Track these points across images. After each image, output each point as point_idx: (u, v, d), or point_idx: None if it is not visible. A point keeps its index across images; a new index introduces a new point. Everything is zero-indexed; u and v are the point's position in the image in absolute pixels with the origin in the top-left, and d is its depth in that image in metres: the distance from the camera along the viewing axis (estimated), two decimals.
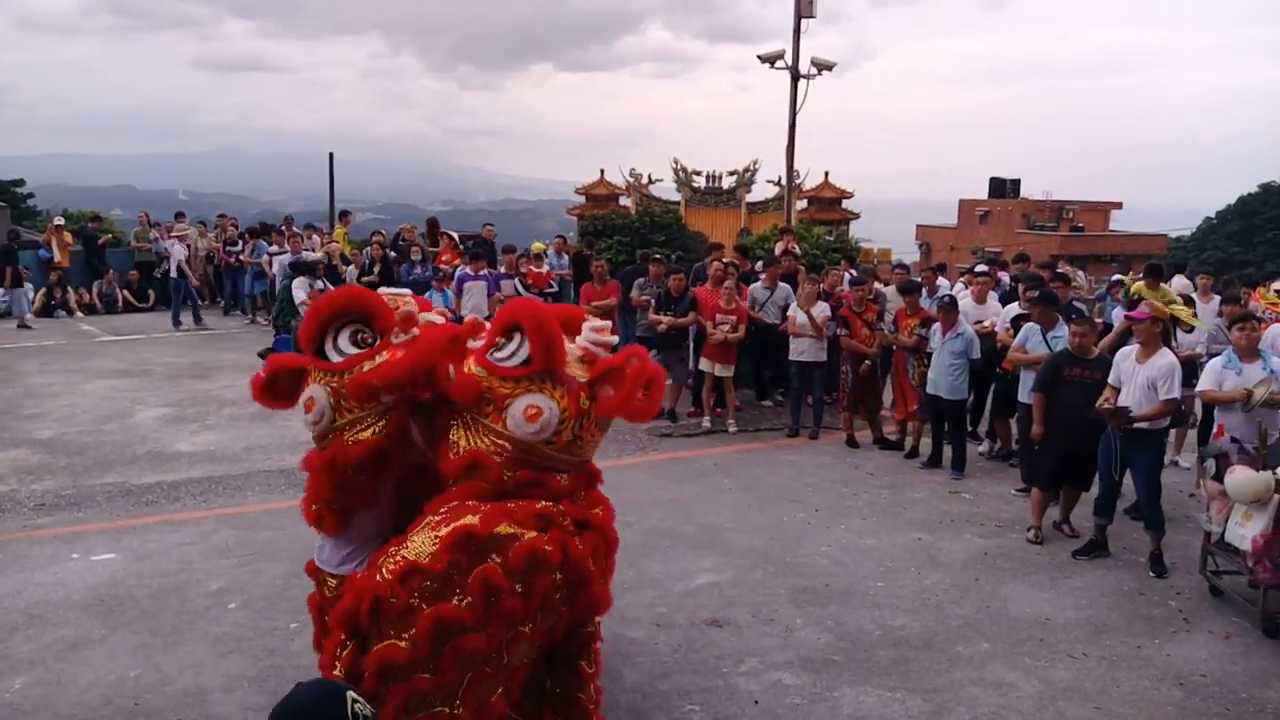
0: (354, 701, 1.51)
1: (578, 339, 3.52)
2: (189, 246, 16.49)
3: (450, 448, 3.41)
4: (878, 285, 10.13)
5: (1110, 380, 6.06)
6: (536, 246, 11.93)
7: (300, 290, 10.80)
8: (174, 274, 14.57)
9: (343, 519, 3.59)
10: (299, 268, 11.44)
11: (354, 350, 3.46)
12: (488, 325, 3.68)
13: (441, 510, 3.24)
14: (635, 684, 4.42)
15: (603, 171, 28.89)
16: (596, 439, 3.56)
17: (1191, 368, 7.32)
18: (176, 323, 14.51)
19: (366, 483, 3.52)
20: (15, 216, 25.27)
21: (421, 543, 3.10)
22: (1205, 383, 6.11)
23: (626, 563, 5.80)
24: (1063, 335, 6.84)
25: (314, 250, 12.56)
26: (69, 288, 15.65)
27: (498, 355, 3.38)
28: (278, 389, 3.55)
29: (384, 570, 3.08)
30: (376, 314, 3.48)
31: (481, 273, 10.83)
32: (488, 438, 3.33)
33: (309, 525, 3.71)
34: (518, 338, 3.38)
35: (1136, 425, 5.84)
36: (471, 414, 3.36)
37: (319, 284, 10.86)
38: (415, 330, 3.53)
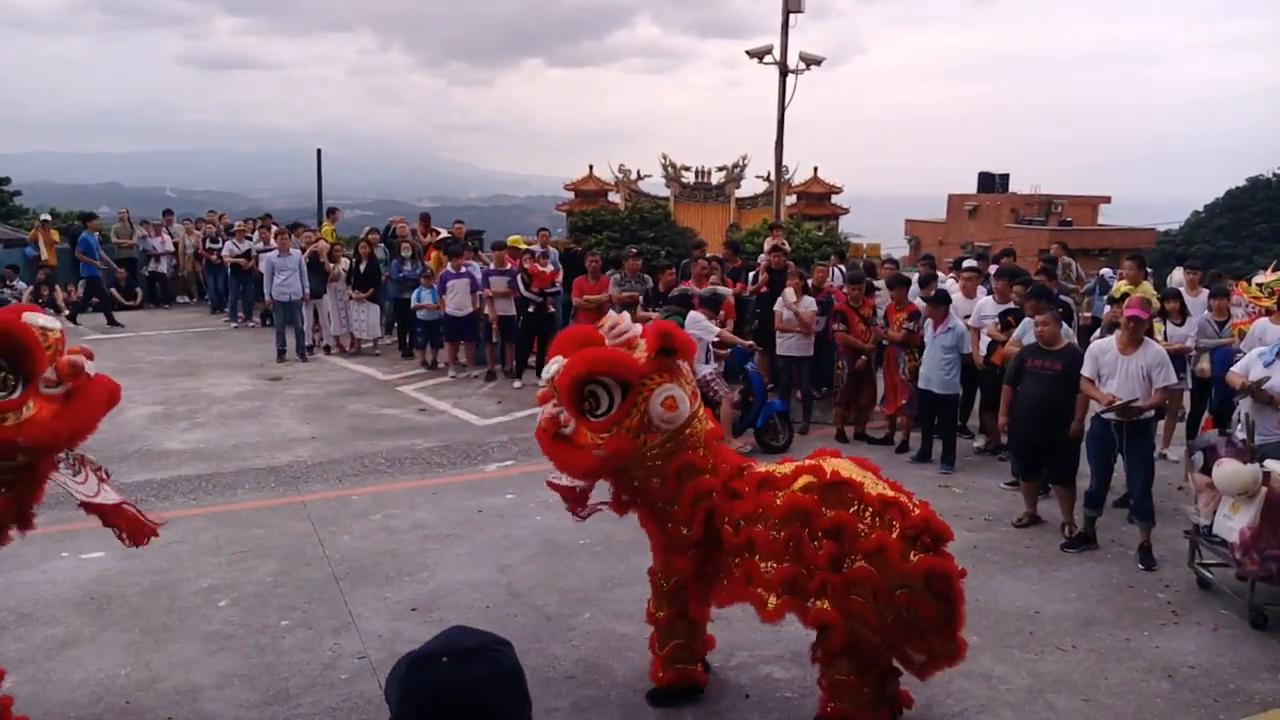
0: None
1: (607, 343, 3.88)
2: (178, 245, 16.47)
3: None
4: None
5: (1086, 373, 6.09)
6: (514, 241, 11.67)
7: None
8: (229, 272, 14.63)
9: None
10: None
11: None
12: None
13: None
14: (626, 678, 4.43)
15: (592, 167, 28.89)
16: None
17: (1180, 361, 7.38)
18: (234, 317, 14.61)
19: None
20: (2, 215, 25.09)
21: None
22: (1237, 367, 6.16)
23: (616, 558, 5.83)
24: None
25: (302, 249, 12.42)
26: (56, 285, 15.55)
27: (599, 413, 3.75)
28: None
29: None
30: (27, 355, 3.00)
31: (463, 269, 10.79)
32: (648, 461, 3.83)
33: None
34: (599, 391, 3.73)
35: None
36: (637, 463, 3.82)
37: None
38: (66, 385, 3.11)
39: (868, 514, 3.62)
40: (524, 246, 11.62)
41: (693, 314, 8.01)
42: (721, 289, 9.35)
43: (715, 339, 8.02)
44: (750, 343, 8.84)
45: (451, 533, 6.21)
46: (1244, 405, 6.10)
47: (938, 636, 3.66)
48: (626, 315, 4.04)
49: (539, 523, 6.42)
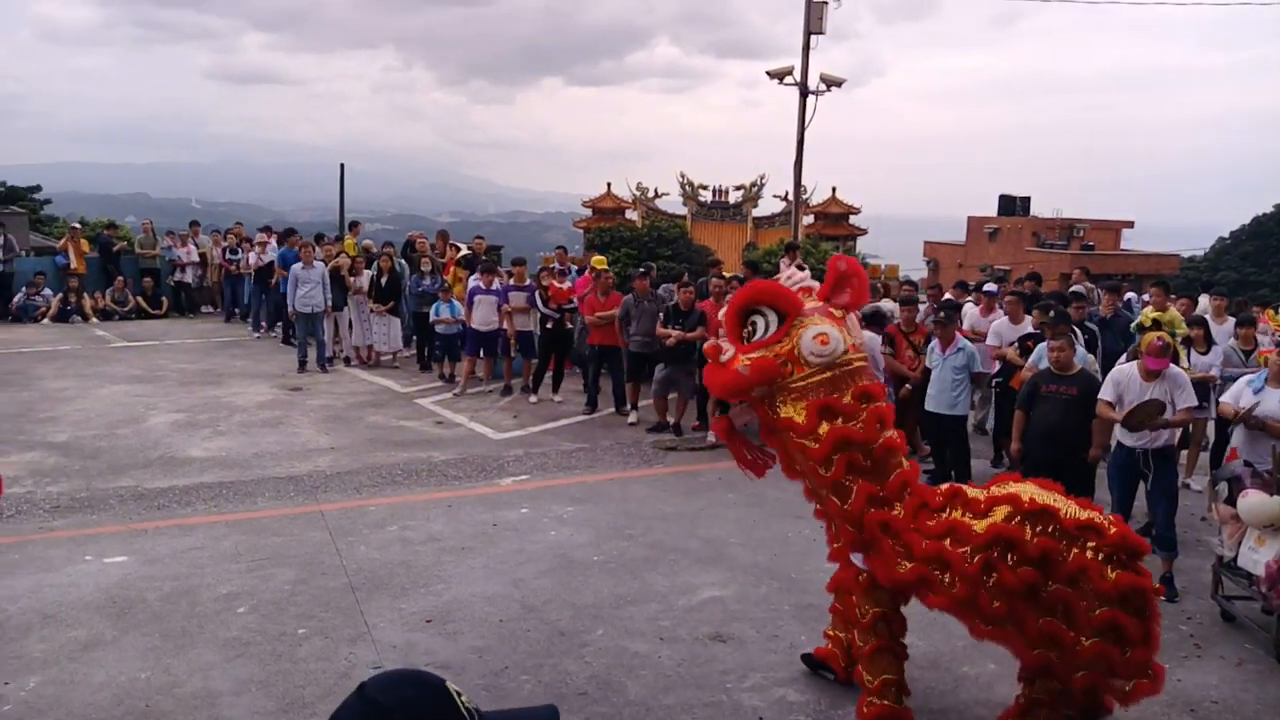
0: (459, 694, 1.28)
1: (788, 281, 4.17)
2: (205, 255, 16.70)
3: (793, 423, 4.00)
4: (885, 301, 10.14)
5: (1107, 397, 6.06)
6: (598, 261, 11.83)
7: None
8: (252, 282, 14.65)
9: None
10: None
11: None
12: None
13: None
14: (639, 697, 4.42)
15: (610, 185, 29.00)
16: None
17: (1204, 390, 7.32)
18: (256, 327, 14.75)
19: None
20: (32, 223, 25.51)
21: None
22: (1227, 395, 6.13)
23: (630, 575, 5.83)
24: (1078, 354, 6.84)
25: (323, 261, 12.51)
26: (85, 294, 15.81)
27: (756, 338, 4.00)
28: None
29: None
30: None
31: (493, 287, 10.92)
32: (789, 389, 3.98)
33: None
34: (759, 320, 4.01)
35: (1159, 444, 5.89)
36: (779, 386, 3.99)
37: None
38: None
39: (1066, 539, 3.75)
40: (603, 267, 11.70)
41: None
42: (886, 303, 9.25)
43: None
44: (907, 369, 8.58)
45: (466, 546, 6.23)
46: (1236, 436, 6.07)
47: (1136, 657, 3.73)
48: (807, 273, 4.33)
49: (553, 538, 6.43)
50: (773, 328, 3.99)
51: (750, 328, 4.05)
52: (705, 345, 4.30)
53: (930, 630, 5.19)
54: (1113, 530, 3.80)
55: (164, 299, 16.51)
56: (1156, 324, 8.00)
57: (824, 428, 3.92)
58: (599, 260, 11.71)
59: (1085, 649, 3.68)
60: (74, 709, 4.15)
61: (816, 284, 4.22)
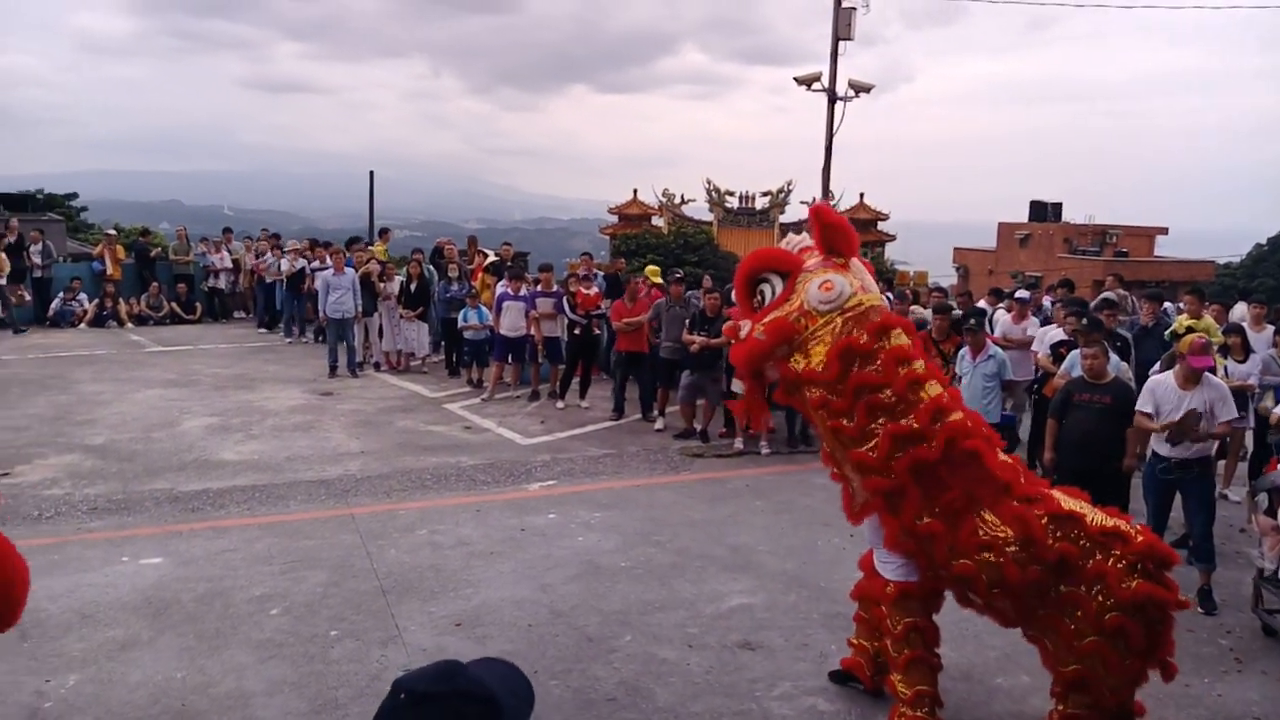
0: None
1: (788, 246, 4.24)
2: (238, 262, 16.94)
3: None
4: (916, 308, 10.06)
5: (1144, 408, 5.98)
6: (652, 271, 11.90)
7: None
8: (284, 288, 14.97)
9: None
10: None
11: None
12: None
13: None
14: (668, 704, 4.41)
15: (636, 191, 29.08)
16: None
17: (1242, 399, 7.19)
18: (288, 333, 15.01)
19: None
20: (69, 229, 26.07)
21: None
22: (1279, 408, 6.02)
23: (657, 581, 5.83)
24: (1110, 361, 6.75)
25: (353, 267, 12.65)
26: (121, 299, 16.10)
27: (764, 304, 4.02)
28: None
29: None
30: None
31: (521, 292, 11.00)
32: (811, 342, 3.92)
33: None
34: (765, 287, 4.05)
35: (1192, 454, 5.79)
36: (798, 343, 3.95)
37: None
38: None
39: (1090, 545, 3.75)
40: (657, 279, 11.74)
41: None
42: (917, 310, 9.43)
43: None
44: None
45: (495, 550, 6.26)
46: None
47: (1133, 666, 3.75)
48: (805, 235, 4.32)
49: (580, 543, 6.45)
50: (779, 290, 4.01)
51: (759, 297, 4.08)
52: (724, 326, 4.36)
53: (963, 642, 5.14)
54: (1139, 539, 3.76)
55: (198, 304, 16.78)
56: (1191, 331, 7.87)
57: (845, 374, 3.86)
58: (653, 270, 11.76)
59: (1082, 645, 3.70)
60: (112, 707, 4.23)
61: (806, 239, 4.24)
